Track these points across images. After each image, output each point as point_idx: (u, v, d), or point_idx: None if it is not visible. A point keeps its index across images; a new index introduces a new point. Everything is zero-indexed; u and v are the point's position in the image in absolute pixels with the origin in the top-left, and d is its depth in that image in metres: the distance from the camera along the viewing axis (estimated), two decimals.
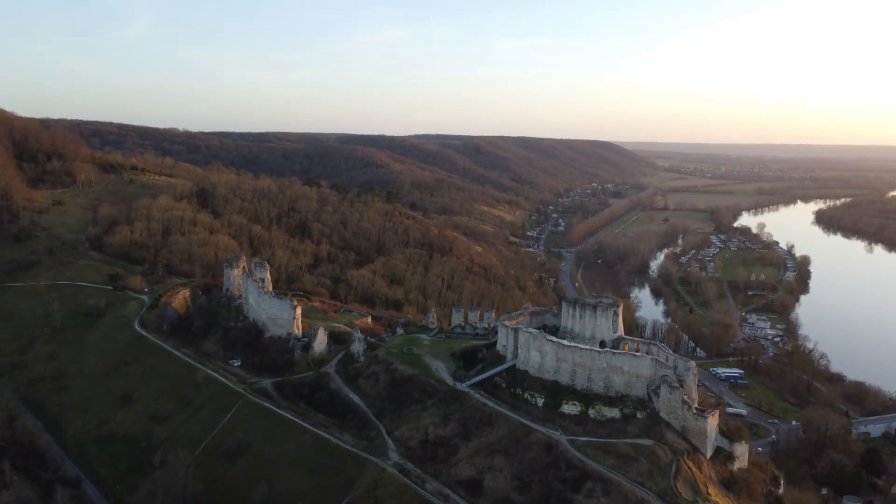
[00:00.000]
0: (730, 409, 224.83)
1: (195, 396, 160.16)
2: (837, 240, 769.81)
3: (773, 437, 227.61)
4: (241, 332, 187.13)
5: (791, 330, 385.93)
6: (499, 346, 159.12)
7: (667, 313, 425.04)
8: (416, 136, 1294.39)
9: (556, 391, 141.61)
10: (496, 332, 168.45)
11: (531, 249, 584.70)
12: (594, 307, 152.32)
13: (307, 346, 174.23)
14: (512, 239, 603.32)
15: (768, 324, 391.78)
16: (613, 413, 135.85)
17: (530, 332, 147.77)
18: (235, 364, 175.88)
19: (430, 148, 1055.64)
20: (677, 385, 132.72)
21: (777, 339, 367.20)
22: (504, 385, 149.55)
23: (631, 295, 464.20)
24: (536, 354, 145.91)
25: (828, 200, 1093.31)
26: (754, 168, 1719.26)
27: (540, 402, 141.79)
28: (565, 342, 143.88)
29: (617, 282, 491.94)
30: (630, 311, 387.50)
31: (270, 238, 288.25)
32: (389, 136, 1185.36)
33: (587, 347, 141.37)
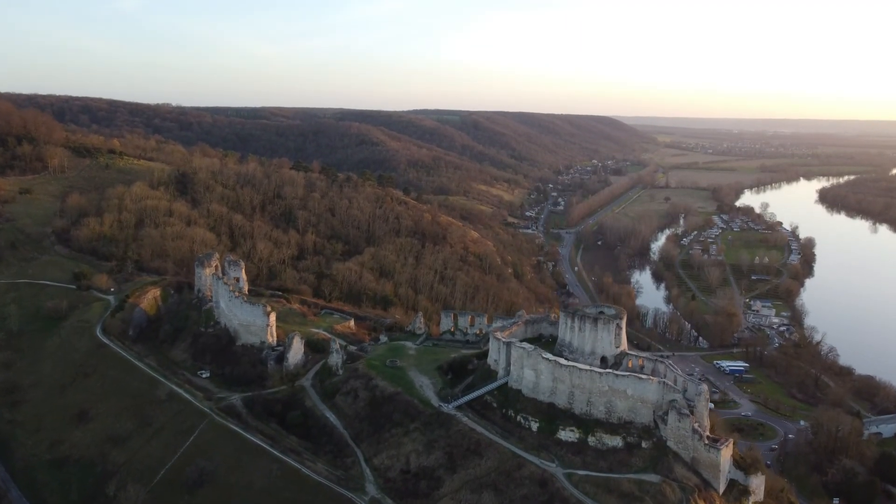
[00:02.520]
0: None
1: (157, 415, 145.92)
2: (841, 219, 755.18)
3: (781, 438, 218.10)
4: (212, 340, 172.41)
5: (796, 318, 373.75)
6: (490, 361, 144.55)
7: (668, 300, 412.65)
8: (414, 112, 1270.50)
9: (553, 415, 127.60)
10: (488, 340, 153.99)
11: (529, 231, 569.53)
12: (595, 320, 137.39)
13: (281, 357, 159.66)
14: (510, 220, 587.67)
15: (773, 311, 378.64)
16: (615, 442, 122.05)
17: (524, 348, 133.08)
18: (204, 375, 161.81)
19: (428, 124, 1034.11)
20: (687, 412, 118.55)
21: (783, 329, 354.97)
22: (495, 405, 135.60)
23: (632, 280, 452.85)
24: (531, 373, 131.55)
25: (831, 178, 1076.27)
26: (756, 144, 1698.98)
27: (534, 426, 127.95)
28: (562, 361, 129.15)
29: (617, 265, 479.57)
30: (631, 298, 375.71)
31: (252, 229, 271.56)
32: (387, 112, 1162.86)
33: (587, 368, 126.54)
